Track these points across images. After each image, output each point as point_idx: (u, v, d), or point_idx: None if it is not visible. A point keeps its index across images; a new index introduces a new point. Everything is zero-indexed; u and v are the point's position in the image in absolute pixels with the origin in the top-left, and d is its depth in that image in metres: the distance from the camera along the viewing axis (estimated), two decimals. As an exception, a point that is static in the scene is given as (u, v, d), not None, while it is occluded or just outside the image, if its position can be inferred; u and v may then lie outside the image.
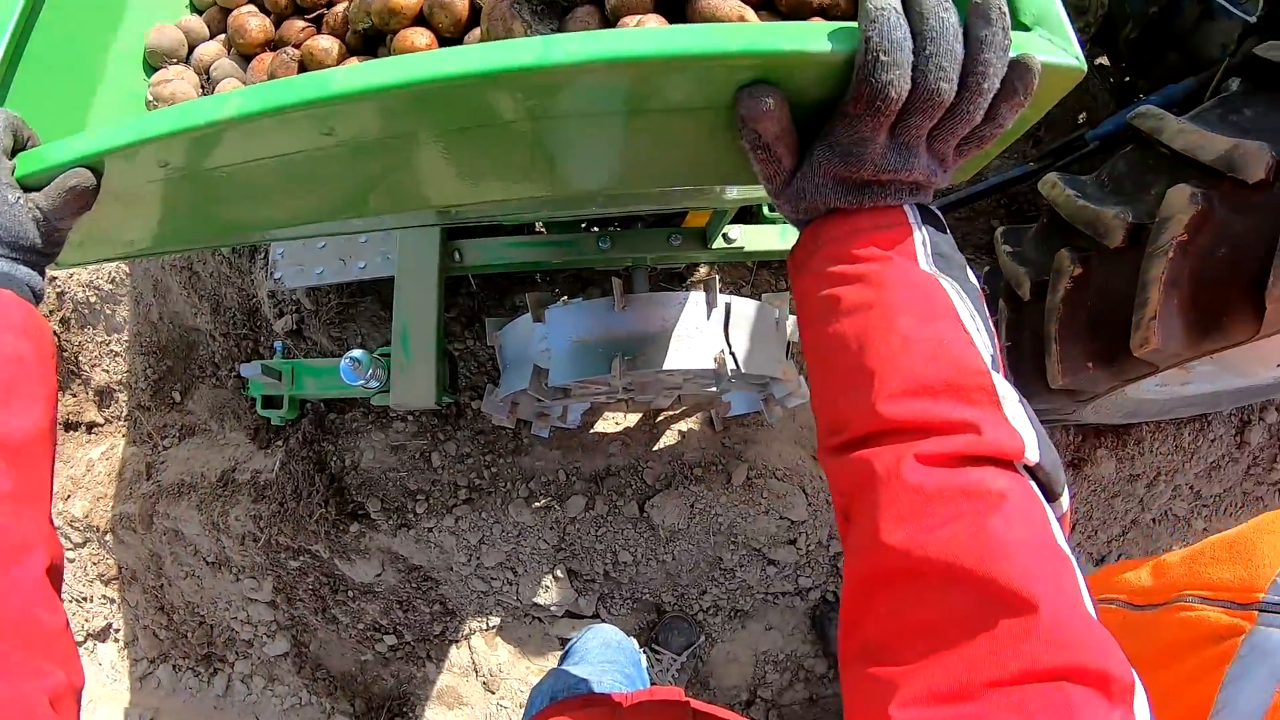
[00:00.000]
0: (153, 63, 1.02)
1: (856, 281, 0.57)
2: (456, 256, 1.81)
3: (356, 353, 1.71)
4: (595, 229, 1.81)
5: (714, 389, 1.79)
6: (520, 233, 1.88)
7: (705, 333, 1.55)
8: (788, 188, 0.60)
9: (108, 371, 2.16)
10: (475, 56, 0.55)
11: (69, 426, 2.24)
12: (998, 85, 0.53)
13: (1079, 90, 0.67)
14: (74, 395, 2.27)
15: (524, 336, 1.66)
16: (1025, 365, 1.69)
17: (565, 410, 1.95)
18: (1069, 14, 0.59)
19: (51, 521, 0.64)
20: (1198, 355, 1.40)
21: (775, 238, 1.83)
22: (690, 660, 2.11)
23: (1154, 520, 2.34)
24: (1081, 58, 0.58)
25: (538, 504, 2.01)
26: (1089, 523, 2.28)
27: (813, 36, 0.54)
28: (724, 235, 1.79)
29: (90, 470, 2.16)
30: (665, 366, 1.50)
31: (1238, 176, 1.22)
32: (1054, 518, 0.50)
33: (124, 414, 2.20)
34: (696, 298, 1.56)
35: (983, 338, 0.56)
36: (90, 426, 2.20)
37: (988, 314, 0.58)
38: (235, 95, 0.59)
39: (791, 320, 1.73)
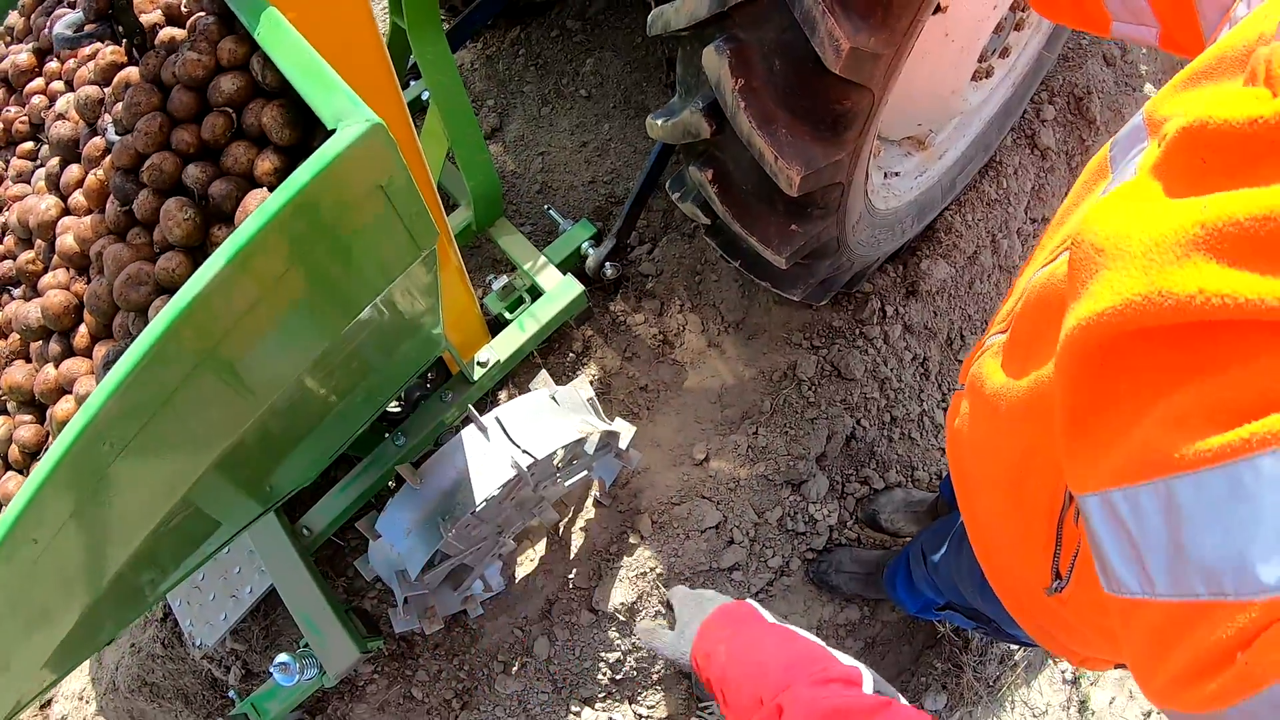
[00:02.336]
0: None
1: None
2: (307, 532, 1.96)
3: (281, 658, 1.83)
4: (387, 435, 1.96)
5: (573, 479, 1.91)
6: (339, 475, 2.01)
7: (492, 451, 1.68)
8: None
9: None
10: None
11: None
12: None
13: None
14: None
15: (382, 553, 1.79)
16: (764, 270, 1.82)
17: (484, 581, 2.06)
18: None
19: None
20: (847, 151, 1.44)
21: (518, 334, 1.99)
22: None
23: (1018, 268, 2.39)
24: (373, 115, 0.72)
25: (514, 667, 2.09)
26: (971, 320, 2.33)
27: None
28: (478, 363, 1.94)
29: None
30: (478, 503, 1.63)
31: (732, 3, 1.26)
32: None
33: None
34: (468, 431, 1.69)
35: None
36: None
37: None
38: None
39: (566, 387, 1.86)
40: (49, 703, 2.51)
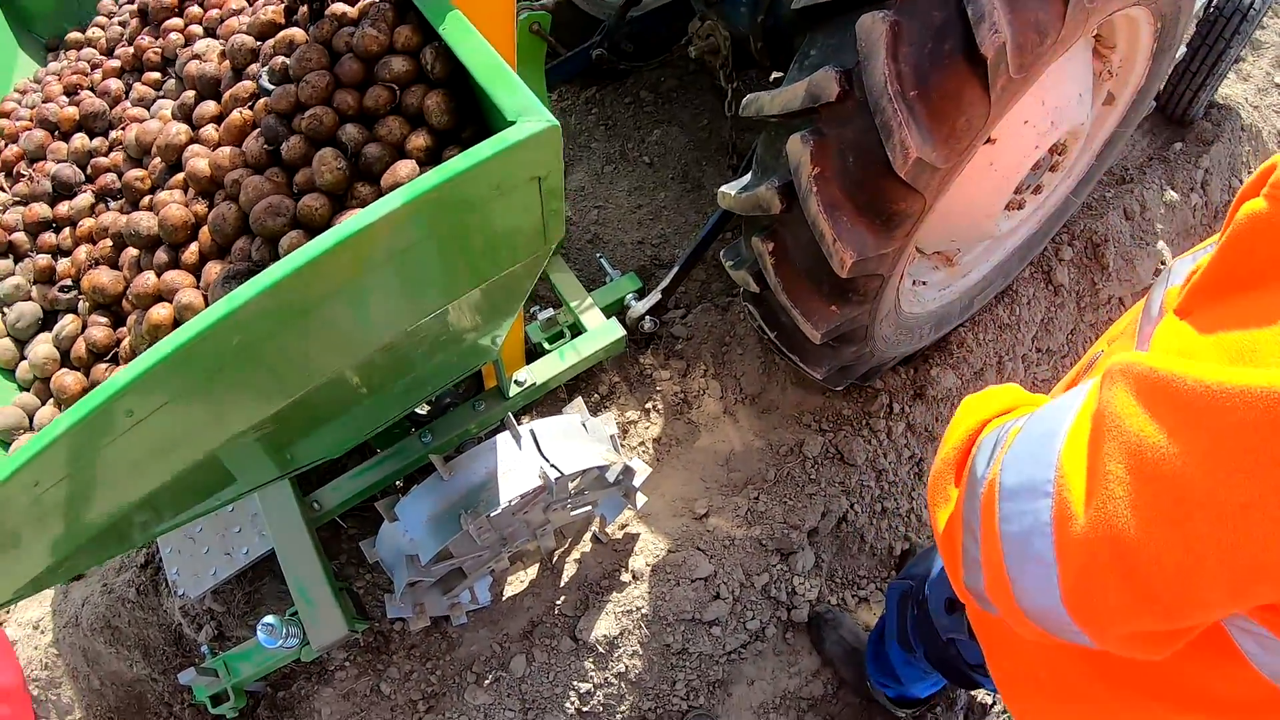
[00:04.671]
0: (5, 440, 1.25)
1: None
2: (317, 507, 2.04)
3: (268, 619, 1.88)
4: (414, 430, 2.07)
5: (579, 510, 2.02)
6: (355, 461, 2.11)
7: (523, 460, 1.79)
8: None
9: (78, 761, 2.30)
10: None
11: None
12: None
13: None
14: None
15: (391, 539, 1.88)
16: (796, 344, 1.96)
17: (472, 592, 2.15)
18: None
19: None
20: (894, 247, 1.62)
21: (557, 362, 2.12)
22: None
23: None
24: (552, 117, 0.87)
25: (487, 680, 2.16)
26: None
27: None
28: (516, 381, 2.06)
29: None
30: (501, 504, 1.73)
31: (824, 101, 1.47)
32: None
33: (110, 793, 2.32)
34: (503, 437, 1.80)
35: None
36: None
37: None
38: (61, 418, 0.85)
39: (595, 419, 1.98)
40: (-1, 623, 2.53)
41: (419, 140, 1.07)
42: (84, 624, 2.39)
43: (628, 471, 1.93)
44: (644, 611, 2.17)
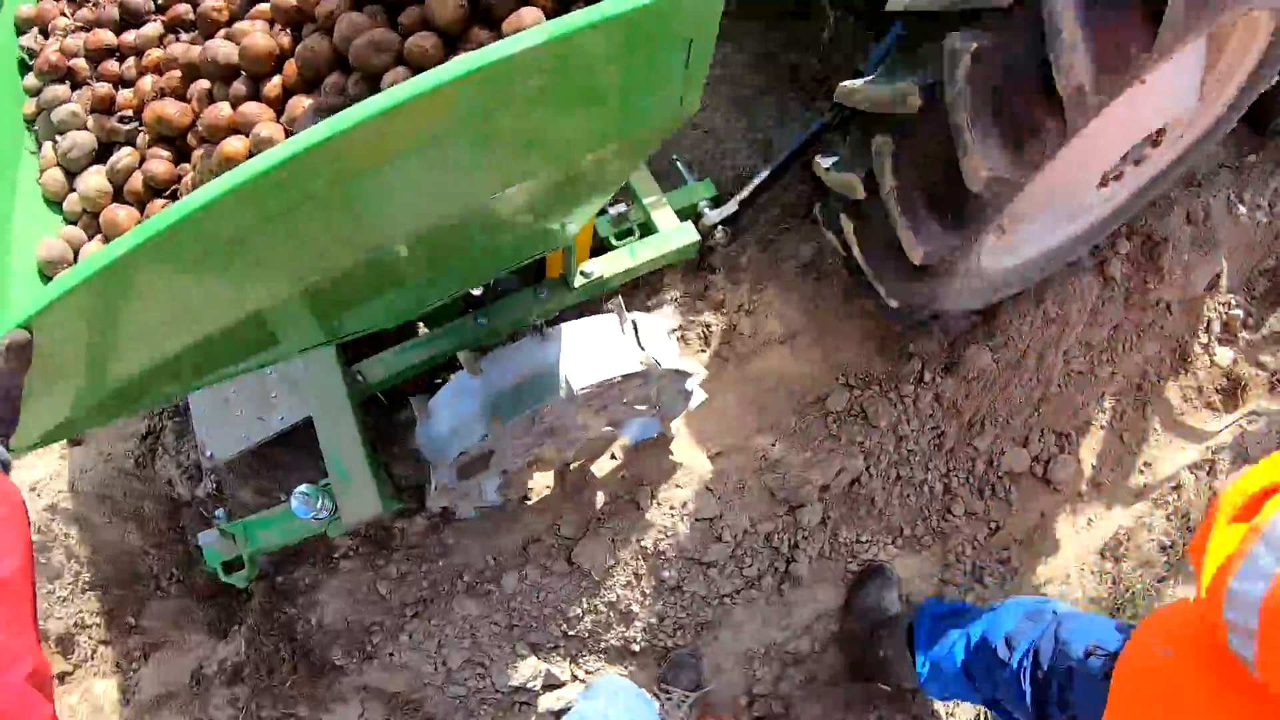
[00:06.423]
0: (48, 273, 1.20)
1: None
2: (360, 378, 1.97)
3: (303, 487, 1.81)
4: (470, 310, 2.00)
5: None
6: (404, 339, 2.05)
7: (624, 344, 1.73)
8: None
9: (61, 619, 2.28)
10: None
11: (43, 685, 2.35)
12: None
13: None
14: (43, 657, 2.38)
15: (427, 433, 1.79)
16: (884, 260, 1.88)
17: (480, 491, 2.09)
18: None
19: (38, 640, 0.82)
20: (1025, 173, 1.58)
21: (627, 258, 2.06)
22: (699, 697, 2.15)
23: (1060, 387, 2.47)
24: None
25: (478, 590, 2.14)
26: (996, 415, 2.40)
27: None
28: (582, 273, 1.99)
29: (73, 715, 2.26)
30: (596, 379, 1.66)
31: (994, 5, 1.38)
32: None
33: (90, 653, 2.31)
34: (601, 318, 1.75)
35: None
36: (62, 677, 2.30)
37: None
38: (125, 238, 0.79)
39: (654, 317, 1.90)
40: None
41: None
42: (81, 491, 2.37)
43: (675, 375, 1.87)
44: (644, 544, 2.14)
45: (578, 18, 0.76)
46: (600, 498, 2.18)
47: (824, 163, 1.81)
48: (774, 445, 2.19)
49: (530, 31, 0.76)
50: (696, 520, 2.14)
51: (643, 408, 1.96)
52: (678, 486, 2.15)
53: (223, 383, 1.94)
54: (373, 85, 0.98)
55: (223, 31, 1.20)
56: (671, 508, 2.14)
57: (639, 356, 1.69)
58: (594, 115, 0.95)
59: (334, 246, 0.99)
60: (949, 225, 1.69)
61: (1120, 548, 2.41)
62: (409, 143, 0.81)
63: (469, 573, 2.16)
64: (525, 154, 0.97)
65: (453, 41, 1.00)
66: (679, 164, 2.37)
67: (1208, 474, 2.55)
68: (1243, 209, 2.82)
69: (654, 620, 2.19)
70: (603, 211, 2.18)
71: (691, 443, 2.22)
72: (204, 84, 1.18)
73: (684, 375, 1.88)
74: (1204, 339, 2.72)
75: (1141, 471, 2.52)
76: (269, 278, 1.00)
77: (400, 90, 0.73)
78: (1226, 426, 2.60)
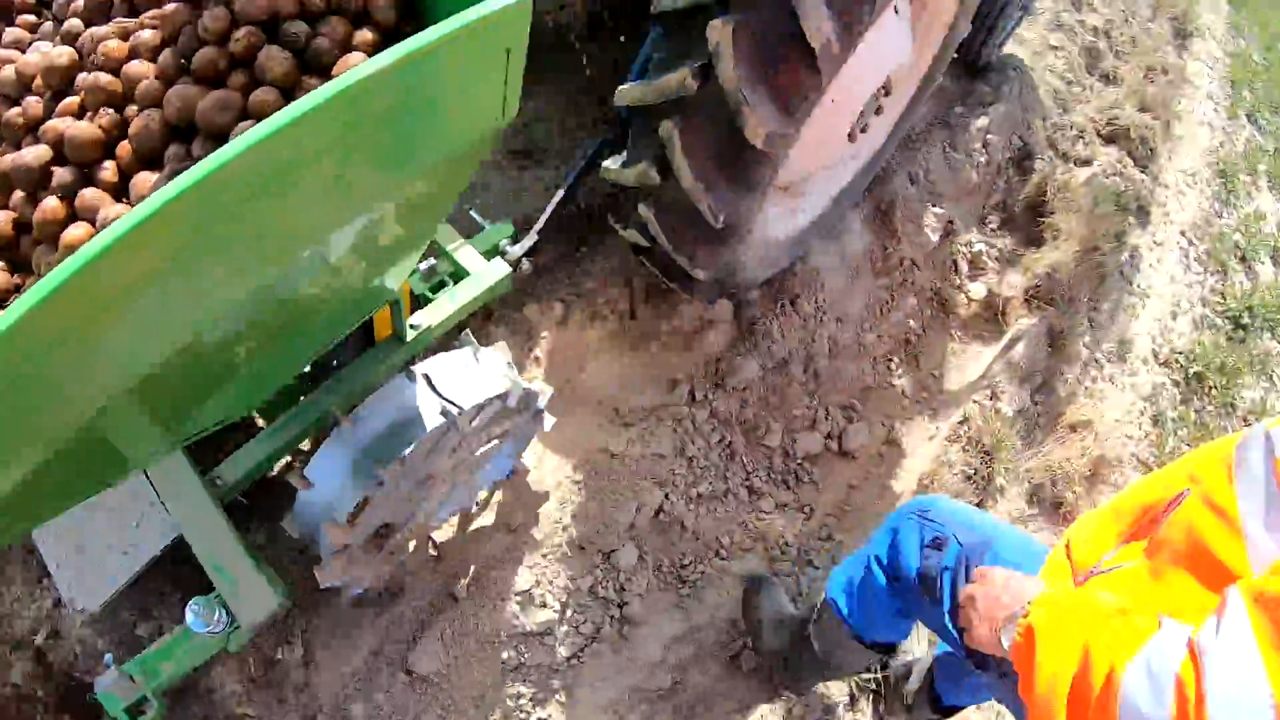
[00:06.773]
0: None
1: None
2: (219, 482, 1.92)
3: (195, 601, 1.74)
4: (313, 388, 2.00)
5: (488, 445, 1.98)
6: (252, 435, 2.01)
7: (422, 403, 1.77)
8: None
9: None
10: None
11: None
12: None
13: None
14: None
15: (308, 510, 1.78)
16: (687, 233, 2.07)
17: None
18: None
19: None
20: (795, 124, 1.81)
21: (449, 303, 2.13)
22: None
23: (831, 362, 2.64)
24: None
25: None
26: (776, 412, 2.54)
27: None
28: (411, 326, 2.04)
29: None
30: (406, 449, 1.67)
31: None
32: None
33: None
34: (396, 383, 1.78)
35: None
36: None
37: None
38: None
39: (489, 349, 1.97)
40: None
41: (368, 35, 1.11)
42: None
43: (529, 395, 1.91)
44: (477, 632, 2.20)
45: (420, 39, 0.87)
46: (421, 597, 2.23)
47: (612, 165, 1.97)
48: (565, 504, 2.30)
49: (383, 55, 0.86)
50: (515, 595, 2.22)
51: (497, 440, 2.00)
52: (487, 569, 2.23)
53: (72, 526, 1.93)
54: (220, 144, 0.97)
55: (28, 137, 1.18)
56: (488, 590, 2.21)
57: (505, 375, 1.75)
58: (433, 123, 1.05)
59: (175, 324, 0.98)
60: (740, 185, 1.91)
61: (929, 490, 2.55)
62: (271, 179, 0.88)
63: (320, 715, 2.19)
64: (375, 176, 1.05)
65: (288, 94, 1.08)
66: (473, 214, 2.45)
67: (991, 399, 2.74)
68: (959, 155, 3.09)
69: (509, 704, 2.25)
70: (414, 271, 2.23)
71: (498, 517, 2.31)
72: (20, 194, 1.14)
73: (535, 395, 1.95)
74: (956, 281, 2.94)
75: (930, 416, 2.69)
76: (102, 373, 0.95)
77: (273, 120, 0.81)
78: (995, 356, 2.81)
